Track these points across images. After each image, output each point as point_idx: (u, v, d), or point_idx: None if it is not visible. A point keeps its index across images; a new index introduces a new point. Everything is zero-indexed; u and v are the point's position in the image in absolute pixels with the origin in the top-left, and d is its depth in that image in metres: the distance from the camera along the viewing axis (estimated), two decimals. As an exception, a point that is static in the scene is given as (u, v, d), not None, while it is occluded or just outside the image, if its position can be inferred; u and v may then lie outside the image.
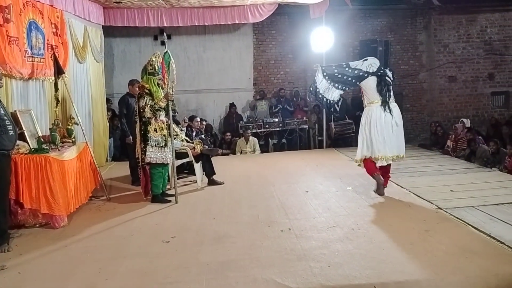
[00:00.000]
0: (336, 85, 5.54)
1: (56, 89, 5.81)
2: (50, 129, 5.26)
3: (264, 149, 10.09)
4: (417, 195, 5.41)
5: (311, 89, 5.82)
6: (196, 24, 9.36)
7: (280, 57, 11.37)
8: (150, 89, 5.39)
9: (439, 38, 11.79)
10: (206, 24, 9.47)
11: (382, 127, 5.36)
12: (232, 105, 10.64)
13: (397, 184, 5.98)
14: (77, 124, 5.85)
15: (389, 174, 5.74)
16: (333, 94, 5.59)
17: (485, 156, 7.74)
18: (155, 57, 5.48)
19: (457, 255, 3.62)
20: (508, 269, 3.36)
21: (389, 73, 5.59)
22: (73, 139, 5.62)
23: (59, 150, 5.02)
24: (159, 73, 5.41)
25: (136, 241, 4.30)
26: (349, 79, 5.49)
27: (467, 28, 11.81)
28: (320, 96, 5.63)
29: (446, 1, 11.66)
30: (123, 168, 7.31)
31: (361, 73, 5.45)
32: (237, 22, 9.44)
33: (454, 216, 4.55)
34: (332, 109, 6.90)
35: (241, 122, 10.22)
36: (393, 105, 5.49)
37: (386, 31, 11.62)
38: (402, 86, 11.75)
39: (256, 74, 11.31)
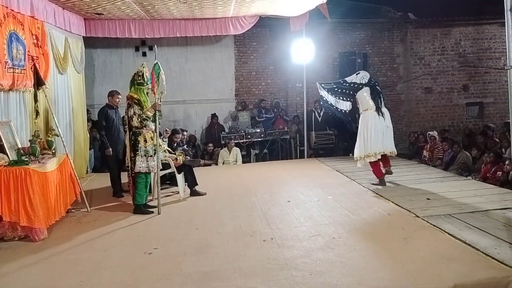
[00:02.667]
0: (341, 97, 6.54)
1: (36, 100, 5.77)
2: (30, 140, 5.21)
3: (246, 159, 10.15)
4: (396, 204, 5.53)
5: (321, 103, 7.01)
6: (178, 36, 9.43)
7: (262, 69, 11.50)
8: (139, 99, 5.43)
9: (415, 51, 12.15)
10: (188, 35, 9.54)
11: (377, 130, 6.31)
12: (214, 116, 10.68)
13: (376, 194, 6.11)
14: (58, 136, 5.80)
15: (390, 164, 6.68)
16: (344, 104, 6.58)
17: (464, 162, 7.96)
18: (144, 67, 5.55)
19: (435, 262, 3.73)
20: (483, 274, 3.48)
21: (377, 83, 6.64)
22: (53, 151, 5.56)
23: (39, 162, 4.97)
24: (148, 83, 5.47)
25: (118, 253, 4.28)
26: (347, 91, 6.50)
27: (442, 41, 12.21)
28: (334, 107, 6.70)
29: (422, 15, 12.07)
30: (103, 180, 7.25)
31: (356, 85, 6.45)
32: (218, 34, 9.54)
33: (432, 224, 4.67)
34: (349, 118, 7.57)
35: (223, 132, 10.27)
36: (385, 110, 6.45)
37: (364, 43, 11.90)
38: (381, 97, 12.02)
39: (237, 85, 11.40)
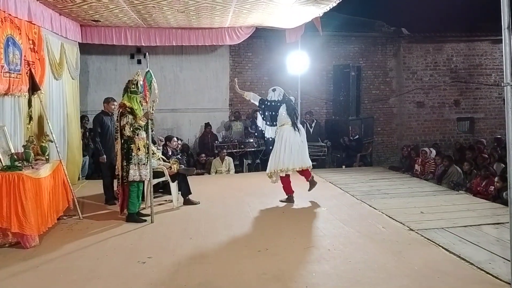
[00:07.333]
0: (268, 122, 6.57)
1: (29, 105, 5.72)
2: (23, 146, 5.14)
3: (239, 169, 10.12)
4: (389, 217, 5.55)
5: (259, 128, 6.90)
6: (174, 44, 9.44)
7: (256, 79, 11.55)
8: (131, 108, 5.40)
9: (408, 65, 12.32)
10: (183, 44, 9.56)
11: (291, 144, 6.30)
12: (207, 125, 10.66)
13: (370, 206, 6.13)
14: (51, 141, 5.74)
15: (312, 174, 6.65)
16: (271, 131, 6.58)
17: (454, 177, 8.03)
18: (138, 75, 5.53)
19: (429, 276, 3.74)
20: (477, 288, 3.51)
21: (292, 98, 6.75)
22: (47, 157, 5.51)
23: (32, 167, 4.91)
24: (141, 91, 5.45)
25: (110, 262, 4.23)
26: (272, 112, 6.49)
27: (434, 56, 12.41)
28: (263, 132, 6.80)
29: (415, 30, 12.28)
30: (96, 187, 7.17)
31: (275, 103, 6.48)
32: (214, 43, 9.57)
33: (425, 238, 4.69)
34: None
35: (216, 142, 10.24)
36: (300, 126, 6.59)
37: (358, 57, 12.04)
38: (374, 110, 12.16)
39: (232, 95, 11.41)
